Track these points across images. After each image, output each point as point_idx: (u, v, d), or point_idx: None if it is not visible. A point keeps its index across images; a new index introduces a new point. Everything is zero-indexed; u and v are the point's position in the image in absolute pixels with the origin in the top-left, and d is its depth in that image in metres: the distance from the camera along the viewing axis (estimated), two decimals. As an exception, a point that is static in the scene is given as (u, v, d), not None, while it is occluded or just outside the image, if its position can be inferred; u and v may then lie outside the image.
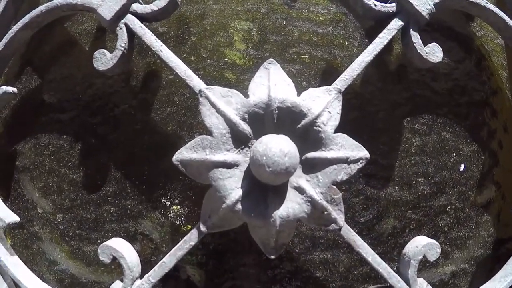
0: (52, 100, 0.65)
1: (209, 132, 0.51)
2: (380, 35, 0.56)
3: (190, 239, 0.53)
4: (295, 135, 0.51)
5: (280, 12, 0.63)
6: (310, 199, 0.51)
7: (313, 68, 0.61)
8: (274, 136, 0.49)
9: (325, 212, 0.51)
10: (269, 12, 0.63)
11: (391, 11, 0.57)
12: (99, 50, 0.57)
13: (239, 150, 0.52)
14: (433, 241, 0.57)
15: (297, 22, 0.62)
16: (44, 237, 0.65)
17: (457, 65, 0.64)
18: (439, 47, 0.57)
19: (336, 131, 0.52)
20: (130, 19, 0.56)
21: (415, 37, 0.57)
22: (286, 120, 0.51)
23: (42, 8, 0.59)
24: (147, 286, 0.55)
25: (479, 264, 0.67)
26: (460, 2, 0.59)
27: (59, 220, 0.64)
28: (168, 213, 0.61)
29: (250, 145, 0.52)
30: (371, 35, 0.60)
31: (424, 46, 0.57)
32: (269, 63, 0.53)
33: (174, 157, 0.52)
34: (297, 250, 0.61)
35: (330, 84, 0.54)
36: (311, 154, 0.51)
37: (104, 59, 0.56)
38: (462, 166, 0.64)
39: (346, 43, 0.62)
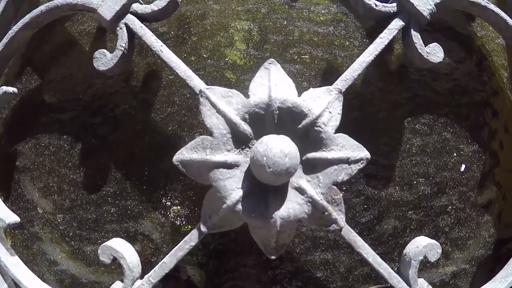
0: (52, 100, 0.64)
1: (209, 133, 0.51)
2: (381, 35, 0.56)
3: (191, 239, 0.53)
4: (296, 136, 0.51)
5: (281, 12, 0.63)
6: (310, 200, 0.51)
7: (314, 68, 0.61)
8: (275, 136, 0.49)
9: (326, 213, 0.51)
10: (269, 12, 0.63)
11: (392, 11, 0.57)
12: (99, 50, 0.56)
13: (239, 151, 0.52)
14: (433, 241, 0.57)
15: (298, 22, 0.62)
16: (44, 238, 0.65)
17: (458, 65, 0.64)
18: (440, 47, 0.57)
19: (336, 131, 0.52)
20: (130, 19, 0.56)
21: (416, 37, 0.56)
22: (286, 120, 0.51)
23: (42, 8, 0.58)
24: (148, 286, 0.54)
25: (480, 265, 0.67)
26: (461, 2, 0.59)
27: (59, 220, 0.64)
28: (168, 213, 0.61)
29: (250, 146, 0.51)
30: (372, 35, 0.60)
31: (425, 46, 0.56)
32: (270, 63, 0.53)
33: (174, 157, 0.51)
34: (297, 251, 0.61)
35: (331, 84, 0.54)
36: (311, 155, 0.51)
37: (104, 59, 0.56)
38: (463, 166, 0.64)
39: (347, 43, 0.62)
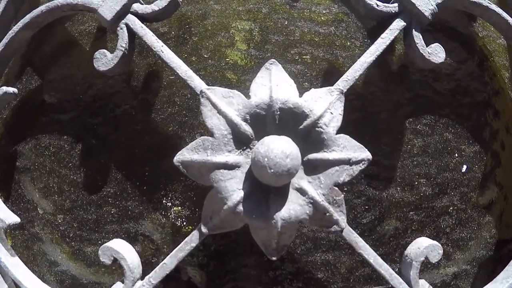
0: (52, 100, 0.64)
1: (210, 133, 0.51)
2: (382, 35, 0.56)
3: (191, 240, 0.53)
4: (297, 136, 0.51)
5: (282, 12, 0.62)
6: (312, 201, 0.50)
7: (315, 68, 0.61)
8: (276, 137, 0.49)
9: (327, 214, 0.51)
10: (270, 12, 0.62)
11: (393, 11, 0.57)
12: (99, 50, 0.56)
13: (240, 151, 0.51)
14: (435, 242, 0.57)
15: (299, 22, 0.62)
16: (44, 238, 0.65)
17: (460, 66, 0.64)
18: (442, 47, 0.57)
19: (338, 132, 0.52)
20: (131, 19, 0.56)
21: (418, 37, 0.56)
22: (288, 121, 0.51)
23: (42, 8, 0.58)
24: (148, 287, 0.54)
25: (481, 265, 0.67)
26: (463, 2, 0.59)
27: (59, 221, 0.64)
28: (169, 214, 0.61)
29: (251, 146, 0.51)
30: (373, 36, 0.60)
31: (427, 47, 0.56)
32: (271, 64, 0.53)
33: (175, 158, 0.51)
34: (298, 252, 0.61)
35: (332, 85, 0.54)
36: (313, 156, 0.51)
37: (104, 60, 0.56)
38: (464, 167, 0.64)
39: (348, 43, 0.62)
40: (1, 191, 0.66)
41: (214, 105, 0.51)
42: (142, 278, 0.56)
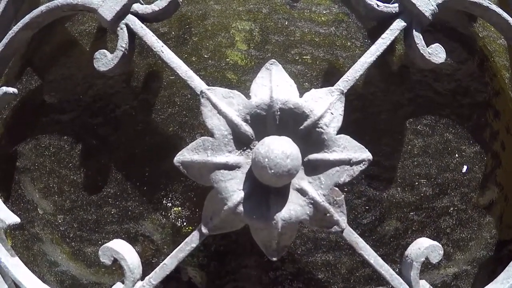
0: (52, 100, 0.64)
1: (210, 134, 0.51)
2: (383, 35, 0.56)
3: (192, 240, 0.53)
4: (297, 137, 0.51)
5: (282, 12, 0.62)
6: (312, 201, 0.50)
7: (315, 68, 0.61)
8: (276, 137, 0.49)
9: (328, 214, 0.51)
10: (271, 13, 0.62)
11: (393, 12, 0.57)
12: (99, 50, 0.56)
13: (240, 152, 0.51)
14: (435, 243, 0.57)
15: (299, 23, 0.62)
16: (44, 238, 0.65)
17: (460, 66, 0.64)
18: (442, 48, 0.57)
19: (338, 132, 0.52)
20: (131, 19, 0.56)
21: (418, 37, 0.56)
22: (288, 121, 0.51)
23: (42, 8, 0.58)
24: (148, 288, 0.54)
25: (482, 266, 0.67)
26: (463, 2, 0.59)
27: (59, 221, 0.64)
28: (169, 214, 0.61)
29: (252, 147, 0.51)
30: (373, 36, 0.60)
31: (427, 47, 0.56)
32: (271, 64, 0.53)
33: (175, 158, 0.51)
34: (299, 252, 0.61)
35: (333, 85, 0.54)
36: (313, 156, 0.51)
37: (104, 60, 0.56)
38: (465, 167, 0.64)
39: (349, 43, 0.62)
40: (1, 191, 0.66)
41: (215, 106, 0.51)
42: (142, 278, 0.56)
